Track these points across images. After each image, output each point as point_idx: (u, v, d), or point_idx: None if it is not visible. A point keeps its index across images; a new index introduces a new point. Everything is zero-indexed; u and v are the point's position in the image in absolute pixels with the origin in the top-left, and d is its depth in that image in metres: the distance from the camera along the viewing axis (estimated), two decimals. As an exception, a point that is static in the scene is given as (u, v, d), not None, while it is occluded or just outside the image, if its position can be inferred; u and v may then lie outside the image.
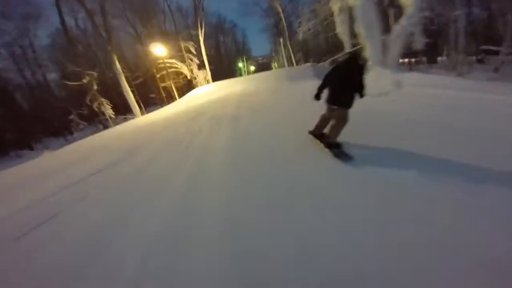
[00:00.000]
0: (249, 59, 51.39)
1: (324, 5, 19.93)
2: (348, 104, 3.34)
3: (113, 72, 16.85)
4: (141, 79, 20.53)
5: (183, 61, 24.19)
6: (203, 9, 27.45)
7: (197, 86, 24.01)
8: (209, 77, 26.54)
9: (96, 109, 17.74)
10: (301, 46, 30.49)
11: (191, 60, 24.89)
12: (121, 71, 16.57)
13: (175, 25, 27.28)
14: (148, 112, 21.35)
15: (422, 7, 9.60)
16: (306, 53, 33.34)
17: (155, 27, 27.39)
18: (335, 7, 12.04)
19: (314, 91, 3.57)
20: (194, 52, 24.74)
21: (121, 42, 26.30)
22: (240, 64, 46.75)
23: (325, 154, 3.55)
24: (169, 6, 26.76)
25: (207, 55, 26.91)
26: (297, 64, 30.46)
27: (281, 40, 33.94)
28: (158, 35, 26.86)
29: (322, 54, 30.39)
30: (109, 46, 16.54)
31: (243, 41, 49.61)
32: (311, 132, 4.09)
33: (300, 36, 23.86)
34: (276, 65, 49.63)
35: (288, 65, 33.73)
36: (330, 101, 3.46)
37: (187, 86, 26.36)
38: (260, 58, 61.50)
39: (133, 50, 26.62)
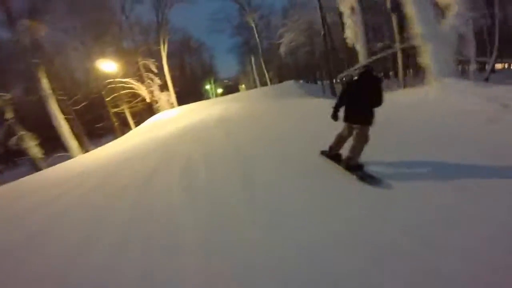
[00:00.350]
0: (216, 81, 48.07)
1: (307, 13, 17.57)
2: (370, 121, 3.00)
3: (40, 93, 12.05)
4: (83, 103, 15.68)
5: (141, 81, 19.90)
6: (167, 22, 23.78)
7: (159, 110, 19.77)
8: (173, 100, 22.44)
9: (13, 147, 12.52)
10: (280, 61, 27.95)
11: (152, 80, 20.68)
12: (50, 92, 11.88)
13: (133, 40, 22.96)
14: (96, 146, 16.51)
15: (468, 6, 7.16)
16: (280, 69, 30.93)
17: (109, 42, 22.95)
18: (345, 6, 9.15)
19: (330, 111, 3.28)
20: (155, 71, 20.60)
21: (66, 61, 21.27)
22: (207, 86, 43.19)
23: (347, 177, 3.09)
24: (127, 17, 22.47)
25: (170, 75, 23.00)
26: (271, 83, 27.64)
27: (252, 58, 31.30)
28: (113, 51, 22.52)
29: (304, 69, 28.06)
30: (35, 59, 11.89)
31: (210, 62, 46.23)
32: (326, 153, 3.65)
33: (282, 49, 21.00)
34: (244, 87, 47.02)
35: (261, 85, 30.93)
36: (350, 119, 3.16)
37: (147, 111, 21.93)
38: (226, 81, 58.67)
39: (80, 69, 21.59)
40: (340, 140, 3.43)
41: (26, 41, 12.44)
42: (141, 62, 20.71)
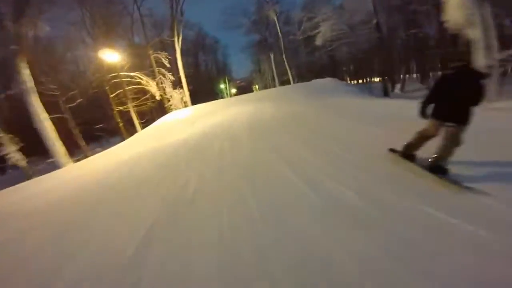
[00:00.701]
0: (231, 80, 45.11)
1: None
2: (467, 120, 2.55)
3: (21, 87, 9.16)
4: (80, 100, 12.73)
5: (152, 76, 17.00)
6: (182, 13, 20.72)
7: (171, 110, 16.85)
8: (187, 98, 19.43)
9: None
10: (298, 60, 24.76)
11: (164, 75, 17.74)
12: (31, 85, 9.00)
13: (145, 34, 19.93)
14: (98, 149, 13.72)
15: None
16: (299, 68, 27.53)
17: (120, 34, 20.23)
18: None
19: (419, 107, 2.80)
20: (168, 65, 17.64)
21: (63, 52, 18.41)
22: (222, 86, 40.30)
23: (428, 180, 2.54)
24: (139, 8, 19.41)
25: (184, 72, 20.01)
26: (293, 82, 24.35)
27: (272, 55, 28.04)
28: (123, 44, 19.82)
29: (329, 67, 24.69)
30: (13, 46, 9.03)
31: (225, 60, 43.29)
32: (400, 152, 3.11)
33: (319, 41, 17.63)
34: (257, 87, 44.02)
35: (280, 84, 27.72)
36: (442, 117, 2.68)
37: (159, 109, 19.04)
38: (238, 81, 55.85)
39: (80, 61, 18.81)
40: (422, 138, 2.88)
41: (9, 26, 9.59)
42: (153, 55, 17.82)
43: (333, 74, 24.36)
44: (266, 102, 9.81)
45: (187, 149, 5.85)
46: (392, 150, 3.24)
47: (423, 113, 2.78)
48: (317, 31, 17.27)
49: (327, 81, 13.08)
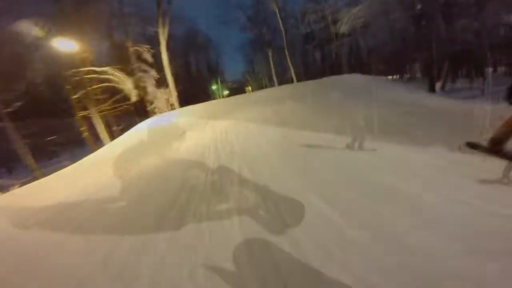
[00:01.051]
0: (223, 81, 41.76)
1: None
2: None
3: None
4: (17, 104, 9.07)
5: (129, 73, 13.50)
6: (169, 0, 17.13)
7: (155, 113, 13.45)
8: (174, 99, 15.95)
9: None
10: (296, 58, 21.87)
11: (145, 72, 14.28)
12: None
13: (125, 23, 16.22)
14: (59, 166, 10.26)
15: None
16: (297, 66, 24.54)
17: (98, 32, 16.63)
18: None
19: (506, 92, 2.28)
20: (150, 59, 14.21)
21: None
22: (214, 87, 37.07)
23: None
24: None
25: (172, 68, 16.57)
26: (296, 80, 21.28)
27: (270, 52, 24.91)
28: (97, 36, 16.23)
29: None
30: None
31: (218, 60, 39.87)
32: (484, 148, 2.40)
33: (343, 28, 14.67)
34: (250, 89, 41.12)
35: (278, 84, 24.66)
36: None
37: (142, 113, 15.54)
38: (230, 83, 52.86)
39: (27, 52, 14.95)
40: (510, 129, 2.24)
41: None
42: (132, 48, 14.35)
43: (339, 72, 21.55)
44: (288, 103, 6.61)
45: (169, 193, 2.59)
46: (472, 145, 2.49)
47: (510, 98, 2.23)
48: (346, 15, 14.29)
49: (357, 77, 9.98)
